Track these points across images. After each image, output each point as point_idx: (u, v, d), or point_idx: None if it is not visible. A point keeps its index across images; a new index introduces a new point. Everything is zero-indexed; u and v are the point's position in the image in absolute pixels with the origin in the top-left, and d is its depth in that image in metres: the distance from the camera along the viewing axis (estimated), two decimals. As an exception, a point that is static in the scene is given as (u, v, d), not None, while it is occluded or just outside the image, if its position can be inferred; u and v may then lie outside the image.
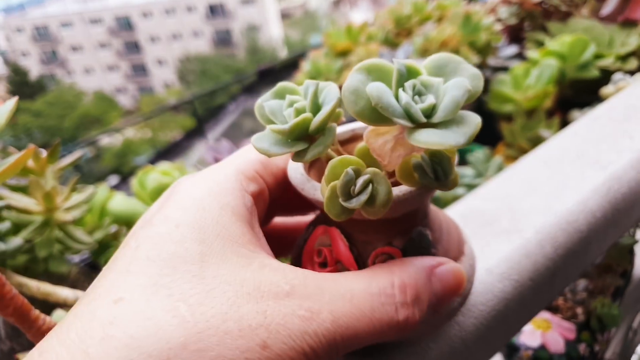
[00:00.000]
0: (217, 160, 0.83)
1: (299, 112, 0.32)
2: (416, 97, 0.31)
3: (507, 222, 0.52)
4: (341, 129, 0.41)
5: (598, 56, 1.17)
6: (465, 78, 0.32)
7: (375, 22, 1.26)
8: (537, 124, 1.08)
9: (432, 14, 1.22)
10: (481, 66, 1.20)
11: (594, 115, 0.68)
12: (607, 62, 1.14)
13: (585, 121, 0.67)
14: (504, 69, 1.26)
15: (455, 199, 0.85)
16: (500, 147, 1.12)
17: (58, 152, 0.77)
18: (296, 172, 0.36)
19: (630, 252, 0.78)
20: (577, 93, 1.21)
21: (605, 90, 1.08)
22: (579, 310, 0.70)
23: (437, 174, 0.33)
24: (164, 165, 0.94)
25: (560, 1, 1.39)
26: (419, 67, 0.33)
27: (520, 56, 1.34)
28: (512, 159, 1.06)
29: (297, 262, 0.40)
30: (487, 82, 1.20)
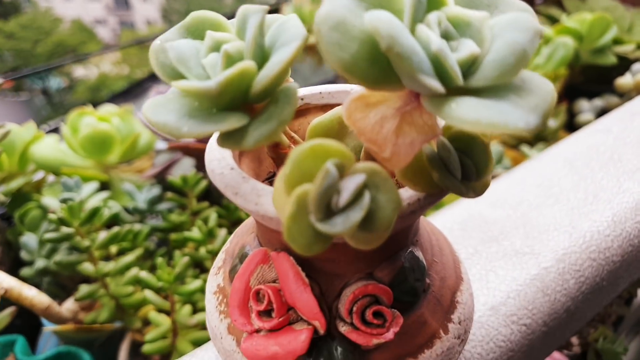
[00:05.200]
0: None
1: (232, 59, 0.18)
2: (444, 42, 0.18)
3: (520, 240, 0.39)
4: None
5: (616, 41, 1.04)
6: (522, 13, 0.19)
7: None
8: (541, 111, 0.96)
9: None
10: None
11: (631, 109, 0.55)
12: (627, 49, 1.01)
13: (619, 115, 0.54)
14: (511, 43, 1.12)
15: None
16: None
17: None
18: (221, 163, 0.22)
19: None
20: (587, 80, 1.09)
21: (622, 80, 0.95)
22: (575, 340, 0.59)
23: (466, 172, 0.20)
24: (105, 109, 0.78)
25: (579, -24, 1.25)
26: None
27: (528, 32, 1.21)
28: (509, 146, 0.93)
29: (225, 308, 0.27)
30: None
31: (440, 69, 0.17)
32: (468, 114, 0.16)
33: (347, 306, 0.22)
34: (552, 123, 0.92)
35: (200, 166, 0.70)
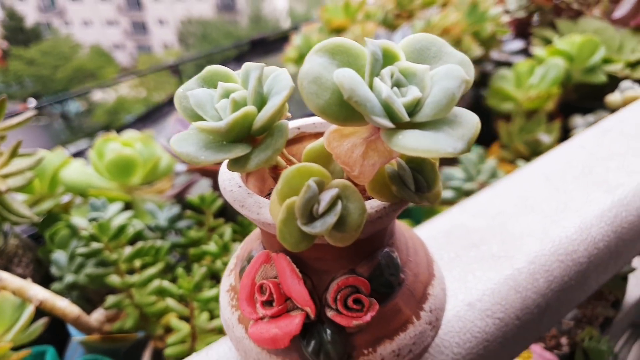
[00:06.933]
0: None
1: (237, 104, 0.24)
2: (395, 89, 0.24)
3: (497, 246, 0.45)
4: None
5: (606, 61, 1.09)
6: (454, 65, 0.24)
7: (375, 0, 1.17)
8: (537, 127, 1.01)
9: (438, -3, 1.13)
10: (483, 59, 1.11)
11: (603, 127, 0.60)
12: (616, 67, 1.06)
13: (593, 133, 0.60)
14: (507, 64, 1.17)
15: (444, 203, 0.77)
16: (495, 148, 1.04)
17: (3, 111, 0.68)
18: (231, 182, 0.28)
19: (624, 280, 0.71)
20: (581, 98, 1.14)
21: (612, 97, 1.00)
22: (564, 340, 0.63)
23: (418, 185, 0.26)
24: (128, 134, 0.85)
25: (574, -2, 1.31)
26: (397, 50, 0.25)
27: (525, 52, 1.26)
28: (506, 161, 0.98)
29: (234, 301, 0.33)
30: (488, 77, 1.11)
31: (390, 111, 0.22)
32: (410, 143, 0.22)
33: (332, 295, 0.28)
34: (547, 139, 0.97)
35: (217, 186, 0.76)
